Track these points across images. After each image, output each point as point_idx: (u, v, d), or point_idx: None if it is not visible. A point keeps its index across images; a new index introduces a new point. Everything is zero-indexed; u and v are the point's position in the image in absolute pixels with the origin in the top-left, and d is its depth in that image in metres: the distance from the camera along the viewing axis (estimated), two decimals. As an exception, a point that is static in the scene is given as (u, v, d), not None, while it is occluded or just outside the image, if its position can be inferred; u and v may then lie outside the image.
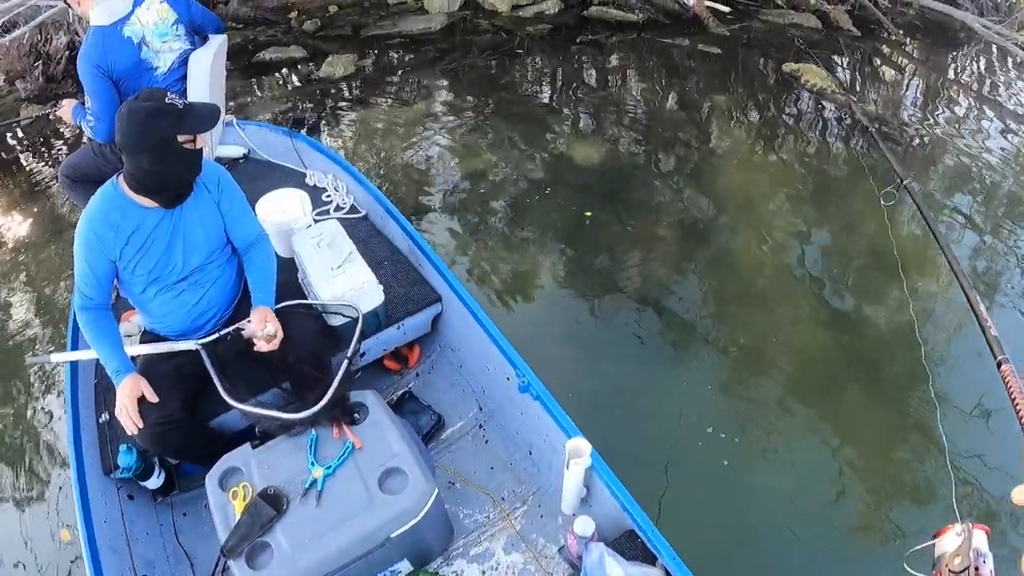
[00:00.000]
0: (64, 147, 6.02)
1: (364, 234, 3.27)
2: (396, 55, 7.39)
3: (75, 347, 2.79)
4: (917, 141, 5.73)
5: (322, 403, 2.10)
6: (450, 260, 4.30)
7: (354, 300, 2.53)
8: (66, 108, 3.06)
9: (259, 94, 6.78)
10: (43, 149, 6.09)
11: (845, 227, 4.60)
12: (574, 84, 7.05)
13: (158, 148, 2.05)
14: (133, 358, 2.31)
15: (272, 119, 5.97)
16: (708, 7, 7.84)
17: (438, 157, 5.47)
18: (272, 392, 2.42)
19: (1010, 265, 4.28)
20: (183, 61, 3.06)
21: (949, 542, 1.29)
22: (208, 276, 2.36)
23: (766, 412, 3.32)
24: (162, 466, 2.53)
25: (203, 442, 2.44)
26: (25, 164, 5.89)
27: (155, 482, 2.50)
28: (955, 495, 2.20)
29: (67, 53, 6.70)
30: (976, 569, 1.22)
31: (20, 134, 6.35)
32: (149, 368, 2.31)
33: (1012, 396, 1.42)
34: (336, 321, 2.58)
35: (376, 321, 2.77)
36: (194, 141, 2.12)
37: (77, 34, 6.73)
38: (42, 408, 3.57)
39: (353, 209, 3.47)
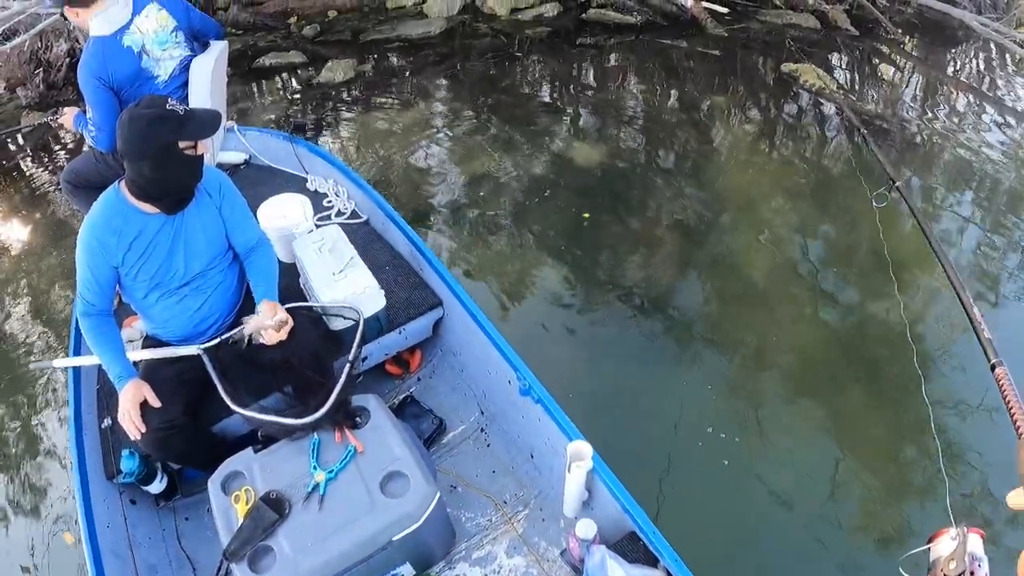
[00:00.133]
0: (65, 153, 6.03)
1: (365, 239, 3.28)
2: (396, 59, 7.41)
3: (77, 353, 2.79)
4: (916, 139, 5.74)
5: (325, 408, 2.11)
6: (451, 264, 4.31)
7: (356, 305, 2.53)
8: (68, 116, 3.07)
9: (259, 100, 6.80)
10: (44, 156, 6.11)
11: (844, 227, 4.60)
12: (573, 86, 7.07)
13: (159, 155, 2.06)
14: (135, 363, 2.32)
15: (273, 124, 5.99)
16: (706, 8, 7.85)
17: (438, 161, 5.48)
18: (274, 396, 2.43)
19: (1008, 266, 4.28)
20: (184, 68, 3.06)
21: (944, 546, 1.29)
22: (210, 282, 2.37)
23: (765, 412, 3.32)
24: (164, 471, 2.53)
25: (205, 447, 2.44)
26: (26, 171, 5.91)
27: (157, 487, 2.51)
28: (949, 498, 2.19)
29: (67, 60, 6.72)
30: (972, 573, 1.23)
31: (21, 141, 6.37)
32: (151, 373, 2.32)
33: (1006, 399, 1.42)
34: (338, 325, 2.59)
35: (378, 326, 2.78)
36: (195, 147, 2.13)
37: (77, 41, 6.76)
38: (45, 413, 3.58)
39: (354, 214, 3.48)
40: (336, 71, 6.88)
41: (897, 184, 2.64)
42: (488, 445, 2.77)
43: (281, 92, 6.97)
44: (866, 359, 3.61)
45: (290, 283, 2.83)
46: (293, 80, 7.13)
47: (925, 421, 3.02)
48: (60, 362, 2.65)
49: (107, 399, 2.68)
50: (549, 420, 2.36)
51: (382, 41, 7.71)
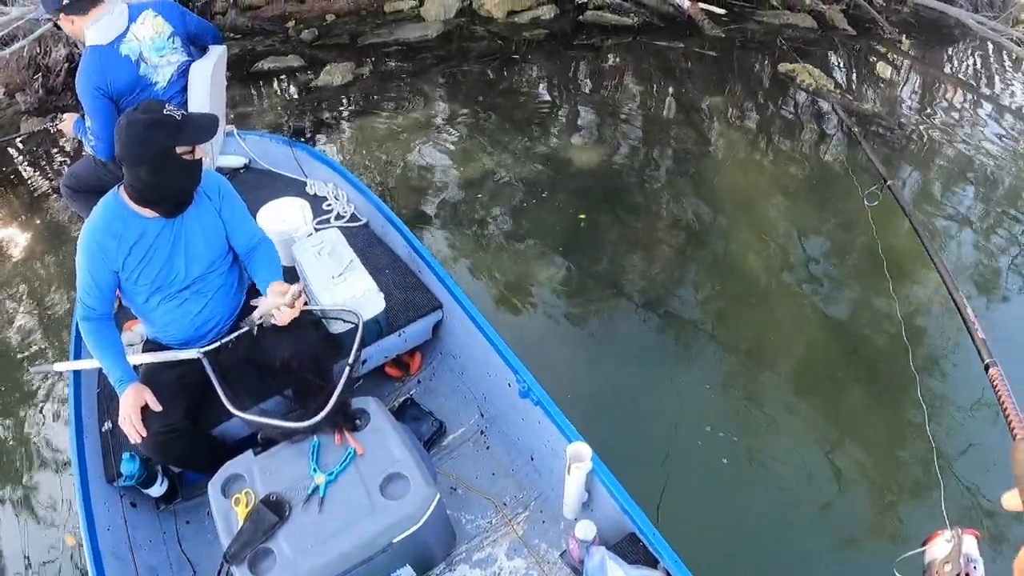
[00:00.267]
0: (65, 159, 6.04)
1: (365, 242, 3.29)
2: (394, 63, 7.42)
3: (78, 357, 2.80)
4: (912, 137, 5.75)
5: (325, 411, 2.12)
6: (450, 267, 4.32)
7: (355, 308, 2.54)
8: (67, 122, 3.07)
9: (258, 104, 6.81)
10: (44, 161, 6.12)
11: (841, 226, 4.61)
12: (571, 88, 7.08)
13: (157, 159, 2.06)
14: (136, 367, 2.32)
15: (272, 128, 6.00)
16: (703, 9, 7.86)
17: (437, 164, 5.49)
18: (275, 400, 2.44)
19: (1003, 264, 4.29)
20: (182, 73, 3.06)
21: (939, 549, 1.29)
22: (210, 285, 2.38)
23: (763, 411, 3.33)
24: (165, 474, 2.54)
25: (206, 450, 2.45)
26: (26, 176, 5.92)
27: (158, 490, 2.52)
28: (944, 500, 2.20)
29: (66, 65, 6.74)
30: (967, 575, 1.23)
31: (21, 146, 6.38)
32: (152, 377, 2.32)
33: (1000, 400, 1.42)
34: (337, 328, 2.59)
35: (377, 328, 2.78)
36: (193, 152, 2.13)
37: (76, 47, 6.76)
38: (46, 417, 3.59)
39: (354, 217, 3.49)
40: (334, 75, 6.89)
41: (889, 183, 2.65)
42: (488, 447, 2.78)
43: (280, 96, 6.99)
44: (863, 359, 3.62)
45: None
46: (291, 84, 7.14)
47: (921, 421, 3.02)
48: (61, 366, 2.66)
49: (107, 402, 2.68)
50: (549, 422, 2.37)
51: (380, 45, 7.72)
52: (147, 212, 2.19)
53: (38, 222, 5.22)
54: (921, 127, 5.98)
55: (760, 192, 5.02)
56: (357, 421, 2.24)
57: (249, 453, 2.21)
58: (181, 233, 2.25)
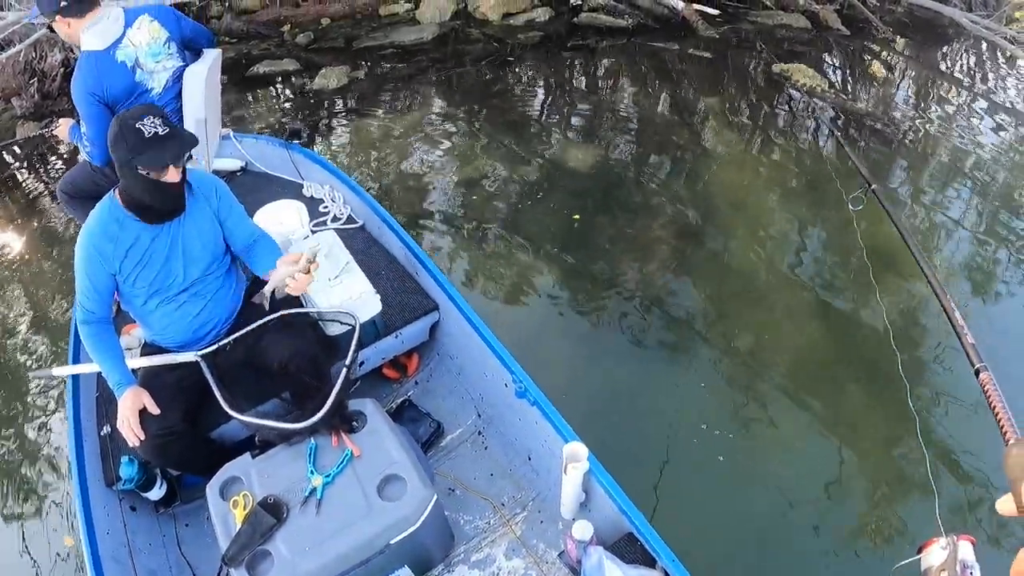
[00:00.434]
0: (60, 164, 6.04)
1: (361, 244, 3.30)
2: (389, 66, 7.42)
3: (76, 361, 2.80)
4: (907, 137, 5.77)
5: (321, 413, 2.12)
6: (447, 268, 4.33)
7: (352, 310, 2.54)
8: (63, 127, 3.06)
9: (254, 107, 6.81)
10: (39, 166, 6.12)
11: (836, 227, 4.62)
12: (566, 89, 7.09)
13: (123, 170, 2.08)
14: (134, 371, 2.33)
15: (268, 132, 6.00)
16: (697, 11, 7.88)
17: (433, 166, 5.50)
18: (272, 402, 2.45)
19: (994, 267, 4.29)
20: (177, 78, 3.05)
21: (935, 556, 1.29)
22: (209, 287, 2.39)
23: (757, 411, 3.35)
24: (164, 477, 2.54)
25: (204, 453, 2.45)
26: (22, 181, 5.91)
27: (157, 493, 2.52)
28: (938, 506, 2.19)
29: (62, 70, 6.73)
30: None
31: (17, 151, 6.37)
32: (150, 380, 2.33)
33: (992, 404, 1.42)
34: (334, 330, 2.60)
35: (374, 330, 2.79)
36: (159, 172, 2.08)
37: (71, 51, 6.76)
38: (44, 421, 3.59)
39: (350, 219, 3.50)
40: (330, 78, 6.90)
41: (873, 187, 2.65)
42: (486, 448, 2.79)
43: (275, 100, 6.99)
44: (857, 359, 3.63)
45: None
46: (287, 87, 7.14)
47: (913, 422, 3.03)
48: (60, 370, 2.66)
49: (106, 406, 2.69)
50: (545, 422, 2.38)
51: (375, 48, 7.72)
52: None
53: (34, 227, 5.21)
54: (915, 126, 6.00)
55: (754, 192, 5.03)
56: (354, 423, 2.25)
57: (247, 456, 2.22)
58: (178, 236, 2.26)
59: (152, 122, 2.02)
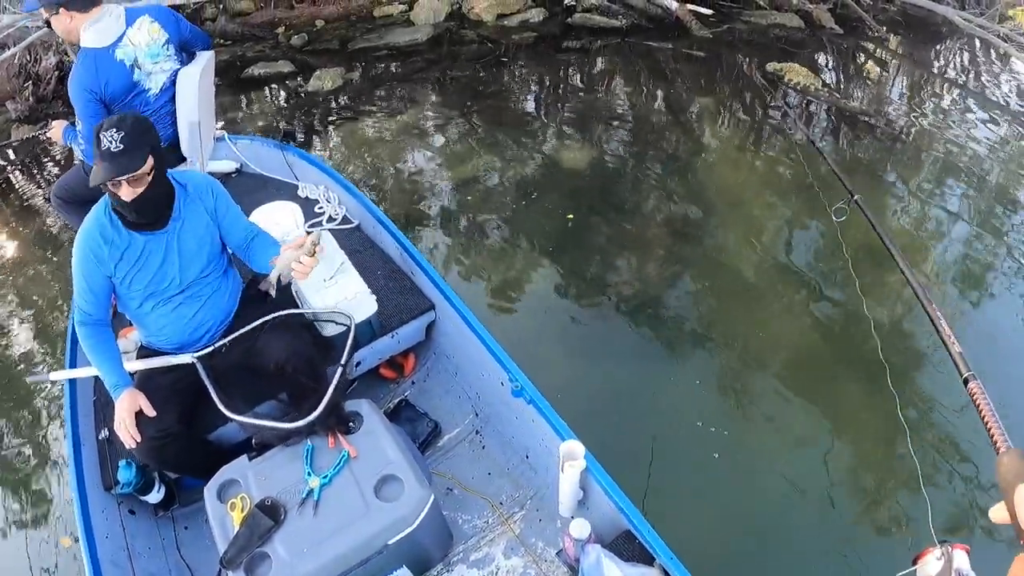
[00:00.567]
0: (55, 167, 6.03)
1: (356, 244, 3.30)
2: (383, 67, 7.42)
3: (73, 365, 2.80)
4: (900, 135, 5.78)
5: (316, 412, 2.13)
6: (442, 268, 4.33)
7: (347, 310, 2.55)
8: (56, 129, 3.05)
9: (249, 109, 6.80)
10: (34, 169, 6.10)
11: (830, 226, 4.62)
12: (560, 90, 7.10)
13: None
14: (131, 374, 2.32)
15: (263, 133, 5.99)
16: (691, 10, 7.89)
17: (428, 166, 5.50)
18: (269, 403, 2.44)
19: (984, 270, 4.28)
20: (174, 80, 3.05)
21: (930, 567, 1.29)
22: (205, 289, 2.38)
23: (751, 409, 3.37)
24: (162, 480, 2.54)
25: (201, 455, 2.45)
26: (16, 184, 5.89)
27: (155, 496, 2.52)
28: (931, 516, 2.18)
29: (56, 74, 6.71)
30: None
31: (11, 155, 6.35)
32: (145, 383, 2.33)
33: (981, 414, 1.41)
34: (330, 331, 2.60)
35: (370, 330, 2.79)
36: (116, 186, 2.06)
37: (66, 54, 6.75)
38: (42, 426, 3.58)
39: (345, 220, 3.50)
40: (325, 79, 6.89)
41: (856, 197, 2.64)
42: (483, 447, 2.79)
43: (270, 101, 6.98)
44: (851, 358, 3.64)
45: (281, 290, 2.84)
46: (282, 89, 7.13)
47: (899, 432, 3.03)
48: (56, 375, 2.65)
49: (104, 410, 2.69)
50: (542, 420, 2.38)
51: (370, 49, 7.72)
52: None
53: (29, 232, 5.20)
54: (908, 124, 6.01)
55: (748, 191, 5.04)
56: (351, 424, 2.25)
57: (244, 458, 2.22)
58: (173, 239, 2.26)
59: (111, 136, 1.99)
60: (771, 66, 6.84)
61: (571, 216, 4.74)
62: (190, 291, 2.35)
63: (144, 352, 2.51)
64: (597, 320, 3.93)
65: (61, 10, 2.70)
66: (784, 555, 2.79)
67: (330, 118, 6.45)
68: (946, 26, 7.76)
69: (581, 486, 2.29)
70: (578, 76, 7.31)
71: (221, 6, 8.23)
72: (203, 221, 2.33)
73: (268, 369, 2.35)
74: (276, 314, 2.43)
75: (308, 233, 2.30)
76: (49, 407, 3.66)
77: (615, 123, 6.18)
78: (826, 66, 7.23)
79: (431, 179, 5.31)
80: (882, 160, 5.42)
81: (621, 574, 1.96)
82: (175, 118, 3.10)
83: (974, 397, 1.48)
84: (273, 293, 2.37)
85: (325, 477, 2.08)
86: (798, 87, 6.48)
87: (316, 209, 3.54)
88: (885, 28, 7.85)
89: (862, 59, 7.41)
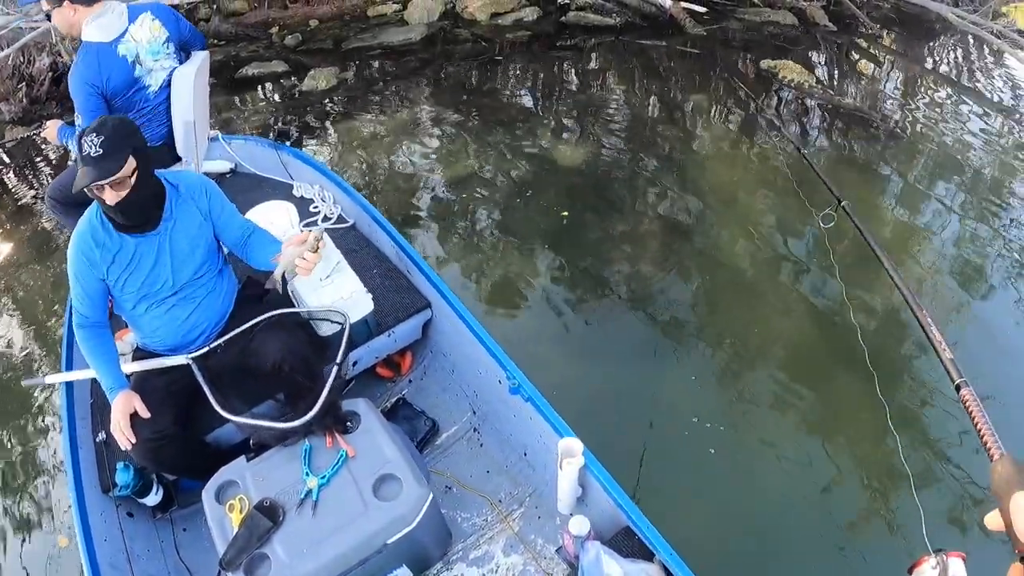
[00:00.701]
0: (49, 168, 6.00)
1: (352, 244, 3.29)
2: (378, 67, 7.42)
3: (70, 367, 2.79)
4: (894, 132, 5.79)
5: (313, 412, 2.12)
6: (438, 266, 4.32)
7: (344, 309, 2.54)
8: (51, 128, 3.04)
9: (243, 109, 6.79)
10: (28, 171, 6.08)
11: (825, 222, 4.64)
12: (554, 88, 7.10)
13: None
14: (127, 376, 2.32)
15: (258, 133, 5.98)
16: (684, 8, 7.90)
17: (423, 165, 5.50)
18: (266, 404, 2.44)
19: (976, 273, 4.27)
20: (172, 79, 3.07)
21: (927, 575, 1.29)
22: (199, 291, 2.37)
23: (747, 405, 3.38)
24: (160, 482, 2.53)
25: (199, 457, 2.45)
26: (10, 185, 5.87)
27: (154, 499, 2.51)
28: (924, 523, 2.17)
29: (50, 75, 6.69)
30: None
31: (5, 158, 6.33)
32: (141, 384, 2.32)
33: (974, 420, 1.40)
34: (326, 330, 2.59)
35: (367, 329, 2.78)
36: (99, 190, 2.05)
37: (59, 55, 6.73)
38: (38, 429, 3.56)
39: (340, 219, 3.49)
40: (319, 79, 6.88)
41: (843, 203, 2.63)
42: (481, 445, 2.79)
43: (265, 101, 6.97)
44: (848, 356, 3.63)
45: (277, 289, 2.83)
46: (276, 89, 7.12)
47: (891, 440, 3.02)
48: (52, 378, 2.65)
49: (100, 413, 2.68)
50: (540, 418, 2.38)
51: (364, 49, 7.71)
52: None
53: (24, 232, 5.17)
54: (902, 121, 6.03)
55: (742, 189, 5.05)
56: (348, 423, 2.25)
57: (242, 459, 2.21)
58: (165, 241, 2.25)
59: (91, 140, 1.98)
60: (765, 63, 6.85)
61: (566, 214, 4.74)
62: (184, 292, 2.33)
63: (140, 354, 2.50)
64: (592, 317, 3.93)
65: (65, 3, 2.72)
66: (781, 552, 2.80)
67: (325, 118, 6.44)
68: (940, 23, 7.77)
69: (580, 483, 2.29)
70: (572, 75, 7.31)
71: (215, 6, 8.21)
72: (196, 222, 2.31)
73: (264, 369, 2.34)
74: (271, 313, 2.41)
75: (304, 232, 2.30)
76: (46, 410, 3.64)
77: (609, 121, 6.18)
78: (820, 63, 7.24)
79: (426, 178, 5.31)
80: (875, 158, 5.43)
81: (621, 570, 1.96)
82: (171, 116, 3.11)
83: (966, 404, 1.47)
84: (280, 289, 2.36)
85: (323, 477, 2.08)
86: (792, 84, 6.49)
87: (311, 208, 3.53)
88: (879, 25, 7.87)
89: (856, 56, 7.42)
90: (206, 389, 2.22)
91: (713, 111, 6.28)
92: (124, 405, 2.19)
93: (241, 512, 2.04)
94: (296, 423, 2.11)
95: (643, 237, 4.54)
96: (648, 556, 2.06)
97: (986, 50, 7.47)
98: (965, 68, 7.32)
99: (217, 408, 2.16)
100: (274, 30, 8.16)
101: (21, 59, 6.68)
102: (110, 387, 2.22)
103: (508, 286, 4.17)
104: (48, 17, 2.84)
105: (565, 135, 5.95)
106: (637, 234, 4.57)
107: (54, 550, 3.01)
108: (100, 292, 2.24)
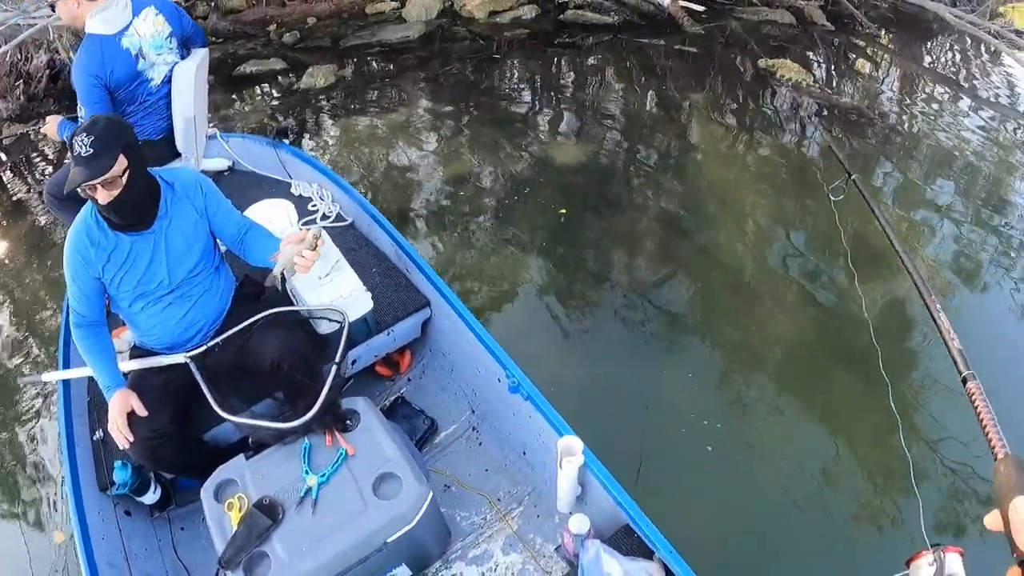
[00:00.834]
0: (46, 165, 5.99)
1: (351, 242, 3.28)
2: (376, 64, 7.41)
3: (67, 365, 2.78)
4: (892, 131, 5.80)
5: (312, 411, 2.11)
6: (437, 264, 4.32)
7: (343, 308, 2.53)
8: (51, 124, 3.03)
9: (241, 107, 6.78)
10: (25, 168, 6.07)
11: (821, 221, 4.65)
12: (552, 86, 7.10)
13: None
14: (124, 374, 2.31)
15: (256, 131, 5.97)
16: (683, 7, 7.90)
17: (421, 163, 5.49)
18: (265, 402, 2.43)
19: (979, 269, 4.29)
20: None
21: (924, 571, 1.28)
22: (196, 289, 2.37)
23: (746, 401, 3.38)
24: (158, 481, 2.52)
25: (197, 455, 2.44)
26: (7, 183, 5.86)
27: (151, 497, 2.50)
28: (922, 515, 2.15)
29: (48, 72, 6.67)
30: None
31: (2, 155, 6.32)
32: (138, 383, 2.31)
33: (979, 416, 1.36)
34: (325, 329, 2.59)
35: (366, 328, 2.78)
36: (91, 190, 2.04)
37: (57, 52, 6.71)
38: (35, 427, 3.55)
39: (339, 217, 3.48)
40: (317, 77, 6.87)
41: (853, 177, 2.60)
42: (480, 444, 2.79)
43: (263, 99, 6.96)
44: (846, 352, 3.65)
45: (275, 287, 2.83)
46: (274, 87, 7.11)
47: (893, 432, 3.02)
48: (49, 375, 2.64)
49: (98, 411, 2.67)
50: (539, 416, 2.37)
51: (362, 46, 7.71)
52: None
53: (21, 229, 5.16)
54: (900, 120, 6.04)
55: (740, 186, 5.05)
56: (348, 421, 2.24)
57: (241, 457, 2.21)
58: (161, 239, 2.24)
59: (82, 140, 1.98)
60: (763, 62, 6.86)
61: (564, 211, 4.74)
62: (180, 291, 2.33)
63: (137, 352, 2.49)
64: (591, 315, 3.93)
65: None
66: (780, 550, 2.80)
67: (323, 115, 6.43)
68: (937, 23, 7.79)
69: (579, 482, 2.28)
70: (570, 73, 7.32)
71: (213, 3, 8.21)
72: (192, 219, 2.30)
73: (263, 368, 2.33)
74: (269, 311, 2.40)
75: (303, 230, 2.29)
76: (43, 408, 3.63)
77: (607, 119, 6.18)
78: (818, 62, 7.25)
79: (424, 176, 5.31)
80: (873, 156, 5.43)
81: (621, 569, 1.96)
82: (171, 112, 3.11)
83: (972, 397, 1.42)
84: (279, 287, 2.36)
85: (323, 475, 2.07)
86: (790, 83, 6.50)
87: (310, 207, 3.52)
88: (876, 25, 7.89)
89: (853, 56, 7.43)
90: (204, 388, 2.21)
91: (711, 109, 6.28)
92: (121, 404, 2.18)
93: (240, 510, 2.03)
94: (295, 424, 2.11)
95: (642, 235, 4.54)
96: (648, 554, 2.06)
97: (983, 50, 7.48)
98: (962, 68, 7.33)
99: (215, 407, 2.15)
100: (272, 27, 8.15)
101: (19, 56, 6.66)
102: (107, 386, 2.21)
103: (506, 284, 4.17)
104: (52, 8, 2.85)
105: (563, 133, 5.95)
106: (635, 231, 4.57)
107: (51, 547, 3.00)
108: (96, 291, 2.24)
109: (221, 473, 2.17)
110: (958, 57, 7.59)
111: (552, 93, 6.94)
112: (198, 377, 2.26)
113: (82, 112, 2.85)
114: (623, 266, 4.28)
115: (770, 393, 3.41)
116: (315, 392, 2.17)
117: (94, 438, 2.59)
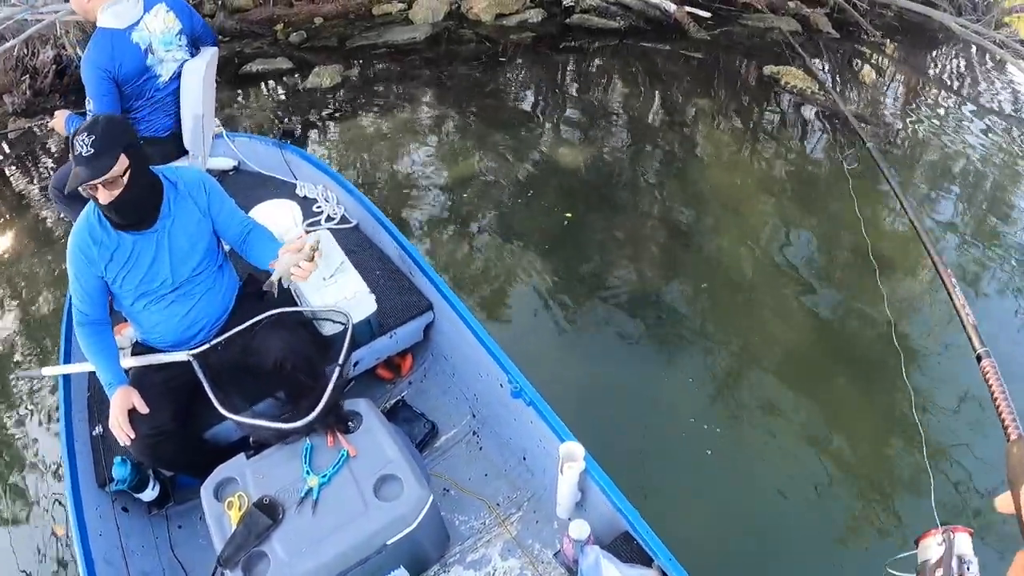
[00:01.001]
0: (52, 161, 6.00)
1: (355, 244, 3.28)
2: (382, 65, 7.42)
3: (68, 360, 2.79)
4: (898, 138, 5.80)
5: (315, 412, 2.11)
6: (441, 268, 4.32)
7: (346, 310, 2.53)
8: (59, 118, 3.03)
9: (247, 106, 6.78)
10: (30, 163, 6.07)
11: (824, 222, 4.66)
12: (558, 90, 7.11)
13: None
14: (126, 371, 2.31)
15: (261, 131, 5.98)
16: (689, 13, 7.91)
17: (426, 165, 5.50)
18: (267, 402, 2.43)
19: (993, 257, 4.33)
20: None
21: (932, 551, 1.27)
22: (199, 287, 2.36)
23: (751, 407, 3.37)
24: (156, 478, 2.52)
25: (197, 453, 2.44)
26: (12, 178, 5.86)
27: (150, 494, 2.50)
28: (933, 495, 2.15)
29: (54, 67, 6.69)
30: None
31: (7, 148, 6.33)
32: (140, 380, 2.31)
33: (993, 395, 1.36)
34: (329, 330, 2.59)
35: (368, 330, 2.78)
36: (92, 190, 2.04)
37: (64, 48, 6.72)
38: (35, 422, 3.55)
39: (344, 219, 3.48)
40: (323, 77, 6.88)
41: (868, 144, 2.57)
42: (480, 448, 2.78)
43: (268, 98, 6.97)
44: (850, 351, 3.66)
45: (280, 289, 2.83)
46: (280, 86, 7.12)
47: (907, 412, 3.03)
48: (49, 370, 2.64)
49: (98, 407, 2.67)
50: (541, 422, 2.37)
51: (368, 47, 7.71)
52: None
53: (24, 224, 5.17)
54: (905, 128, 6.04)
55: (745, 191, 5.06)
56: (350, 423, 2.24)
57: (241, 456, 2.21)
58: (163, 237, 2.24)
59: (83, 140, 1.97)
60: (768, 69, 6.87)
61: (569, 215, 4.74)
62: (183, 289, 2.32)
63: (138, 348, 2.49)
64: (595, 319, 3.93)
65: None
66: (780, 552, 2.80)
67: (328, 116, 6.44)
68: (942, 32, 7.80)
69: (579, 487, 2.28)
70: (576, 77, 7.32)
71: (220, 2, 8.22)
72: (195, 218, 2.30)
73: (266, 367, 2.33)
74: (273, 311, 2.40)
75: (307, 232, 2.29)
76: (42, 403, 3.64)
77: (612, 123, 6.19)
78: (823, 70, 7.26)
79: (429, 178, 5.31)
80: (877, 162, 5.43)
81: (620, 575, 1.96)
82: (179, 109, 3.12)
83: (986, 376, 1.40)
84: (276, 293, 2.35)
85: (324, 476, 2.07)
86: (795, 90, 6.50)
87: (314, 208, 3.53)
88: (881, 33, 7.89)
89: (859, 64, 7.43)
90: (207, 386, 2.21)
91: (716, 115, 6.28)
92: (122, 400, 2.18)
93: (240, 509, 2.04)
94: (297, 424, 2.11)
95: (646, 238, 4.55)
96: (647, 561, 2.06)
97: (988, 59, 7.49)
98: (967, 77, 7.33)
99: (218, 406, 2.15)
100: (279, 27, 8.16)
101: (25, 51, 6.67)
102: (109, 382, 2.21)
103: (510, 288, 4.17)
104: None
105: (568, 137, 5.95)
106: (639, 235, 4.57)
107: (48, 540, 3.00)
108: (99, 289, 2.24)
109: (221, 472, 2.17)
110: (963, 66, 7.59)
111: (558, 97, 6.95)
112: (201, 375, 2.26)
113: (90, 106, 2.85)
114: (627, 270, 4.29)
115: (776, 399, 3.41)
116: (317, 393, 2.17)
117: (93, 433, 2.60)
